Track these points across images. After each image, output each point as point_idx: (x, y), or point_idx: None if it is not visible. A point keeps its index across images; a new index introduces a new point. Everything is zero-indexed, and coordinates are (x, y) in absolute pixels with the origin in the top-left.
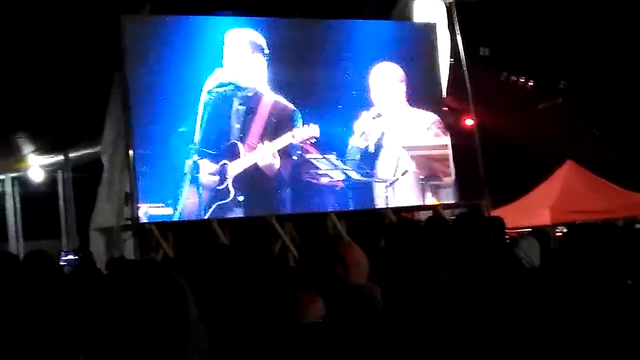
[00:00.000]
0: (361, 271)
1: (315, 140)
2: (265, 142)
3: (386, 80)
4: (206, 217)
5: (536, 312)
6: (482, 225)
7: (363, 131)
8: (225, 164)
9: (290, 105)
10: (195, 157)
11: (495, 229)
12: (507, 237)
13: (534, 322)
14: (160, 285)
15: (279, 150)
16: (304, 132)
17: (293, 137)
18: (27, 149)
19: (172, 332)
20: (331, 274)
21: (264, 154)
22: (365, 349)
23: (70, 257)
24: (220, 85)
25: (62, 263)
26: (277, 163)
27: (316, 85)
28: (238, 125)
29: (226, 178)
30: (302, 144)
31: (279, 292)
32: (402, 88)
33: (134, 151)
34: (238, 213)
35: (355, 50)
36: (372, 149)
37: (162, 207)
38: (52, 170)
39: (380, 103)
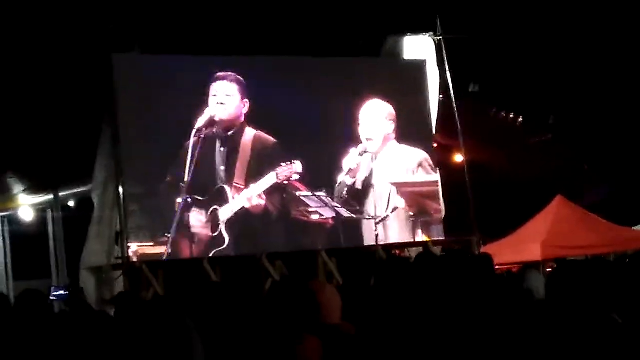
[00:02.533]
0: (335, 310)
1: (299, 176)
2: (251, 184)
3: (376, 117)
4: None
5: (528, 345)
6: (470, 263)
7: (350, 168)
8: (215, 209)
9: (272, 139)
10: (185, 198)
11: (484, 266)
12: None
13: (527, 355)
14: (167, 326)
15: (266, 191)
16: (287, 169)
17: (277, 176)
18: (17, 188)
19: None
20: (305, 315)
21: (249, 197)
22: None
23: (61, 292)
24: (208, 127)
25: (52, 298)
26: (263, 203)
27: (303, 121)
28: (223, 168)
29: (219, 224)
30: (289, 182)
31: (269, 331)
32: (392, 125)
33: (124, 190)
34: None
35: (344, 87)
36: (359, 186)
37: (152, 245)
38: (42, 209)
39: (369, 140)
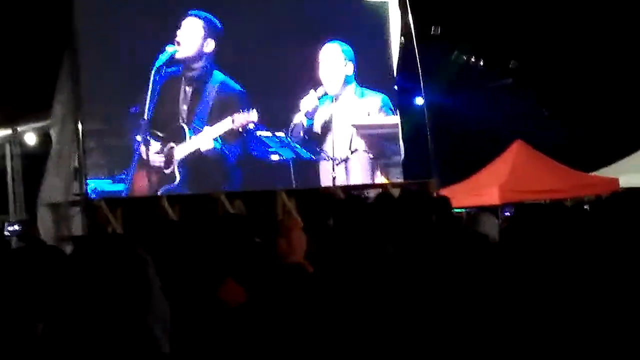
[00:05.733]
0: (301, 249)
1: (254, 124)
2: (206, 127)
3: (335, 59)
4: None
5: (485, 286)
6: (426, 203)
7: (307, 110)
8: (172, 147)
9: (237, 87)
10: (144, 136)
11: (440, 207)
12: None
13: (482, 296)
14: (121, 257)
15: (225, 133)
16: (242, 117)
17: (233, 122)
18: None
19: (133, 304)
20: (272, 250)
21: (204, 139)
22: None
23: (15, 227)
24: (171, 65)
25: (6, 233)
26: (219, 146)
27: (266, 63)
28: (185, 107)
29: (172, 162)
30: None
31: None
32: (351, 67)
33: (83, 126)
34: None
35: (305, 28)
36: (317, 129)
37: (111, 183)
38: (0, 144)
39: (328, 83)
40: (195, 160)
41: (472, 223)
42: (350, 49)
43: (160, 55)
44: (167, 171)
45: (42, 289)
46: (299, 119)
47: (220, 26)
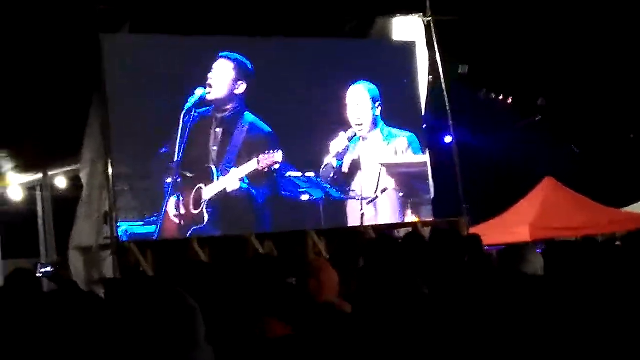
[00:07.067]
0: (333, 288)
1: (280, 165)
2: (233, 168)
3: (363, 100)
4: (187, 236)
5: (518, 324)
6: (458, 243)
7: (338, 151)
8: (200, 188)
9: (266, 128)
10: (174, 177)
11: (471, 246)
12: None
13: (516, 335)
14: (172, 305)
15: (253, 174)
16: (268, 158)
17: (258, 162)
18: (6, 167)
19: (182, 351)
20: (304, 290)
21: (231, 180)
22: None
23: (48, 269)
24: (201, 106)
25: (38, 275)
26: (246, 187)
27: (295, 104)
28: (215, 148)
29: (201, 203)
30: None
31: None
32: (379, 107)
33: (113, 169)
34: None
35: (334, 70)
36: (345, 169)
37: (141, 225)
38: (31, 188)
39: (357, 123)
40: (223, 201)
41: (518, 261)
42: (376, 88)
43: (190, 97)
44: (196, 212)
45: (76, 335)
46: (328, 160)
47: (251, 68)
